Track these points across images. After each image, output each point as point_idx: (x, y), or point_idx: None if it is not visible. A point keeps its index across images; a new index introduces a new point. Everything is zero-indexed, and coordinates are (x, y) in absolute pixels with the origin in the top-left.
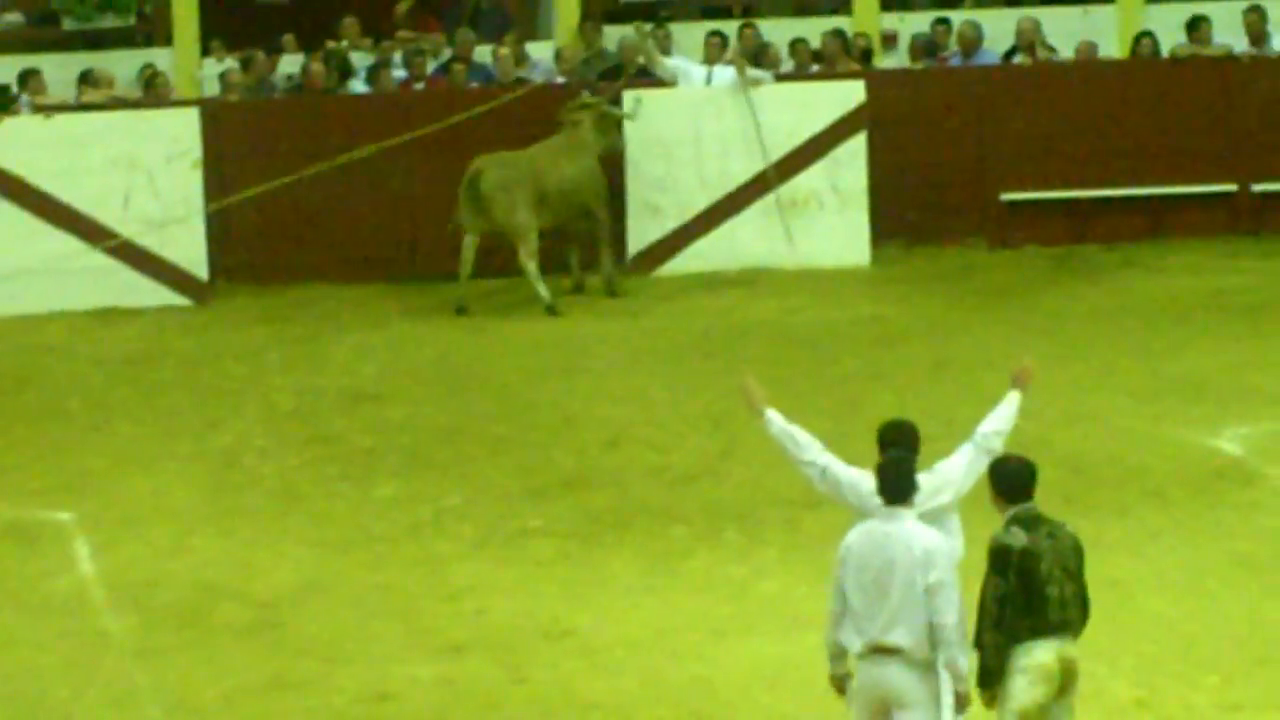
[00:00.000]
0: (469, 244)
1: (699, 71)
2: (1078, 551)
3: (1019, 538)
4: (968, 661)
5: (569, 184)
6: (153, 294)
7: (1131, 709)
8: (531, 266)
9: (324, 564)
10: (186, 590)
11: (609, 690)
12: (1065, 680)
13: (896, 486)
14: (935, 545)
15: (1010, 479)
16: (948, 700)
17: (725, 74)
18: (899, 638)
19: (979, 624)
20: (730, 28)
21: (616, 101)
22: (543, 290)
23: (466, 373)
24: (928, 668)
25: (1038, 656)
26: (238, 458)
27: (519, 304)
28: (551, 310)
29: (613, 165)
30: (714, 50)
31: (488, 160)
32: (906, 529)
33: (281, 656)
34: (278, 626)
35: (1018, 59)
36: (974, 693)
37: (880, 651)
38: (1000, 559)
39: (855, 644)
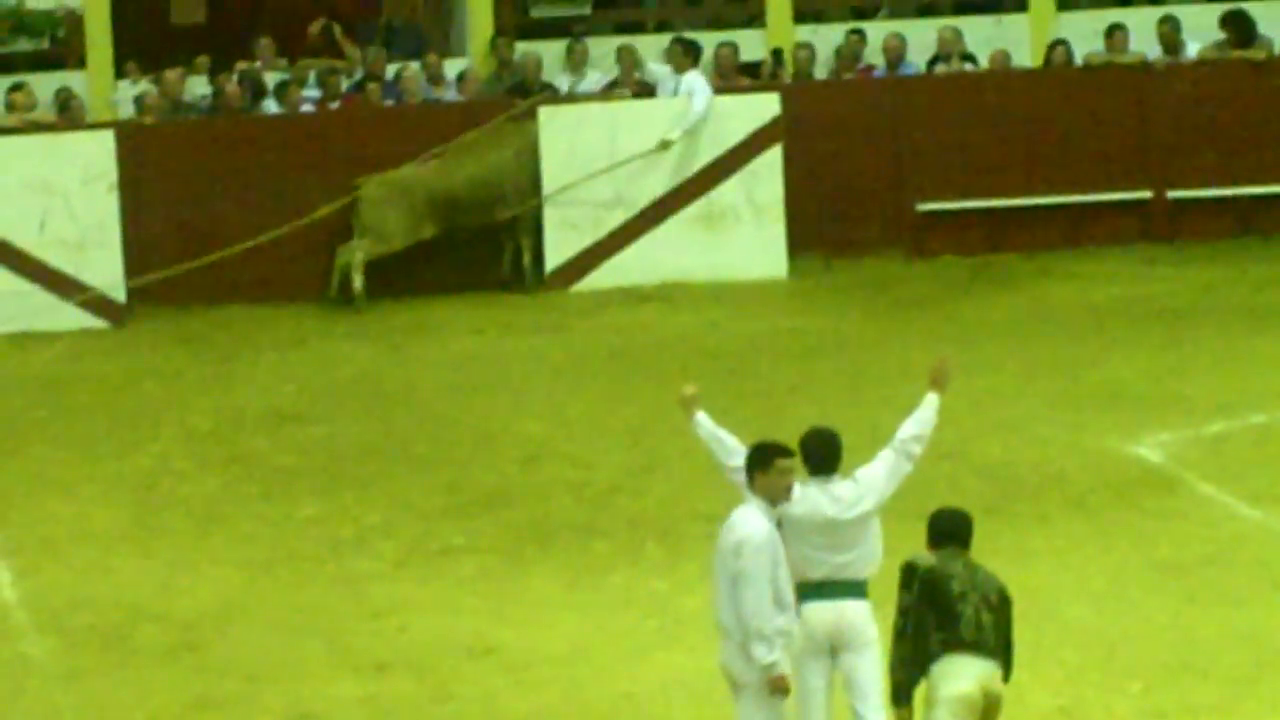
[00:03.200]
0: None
1: (670, 82)
2: (1003, 596)
3: (927, 558)
4: (766, 651)
5: (464, 186)
6: (70, 317)
7: (1054, 717)
8: (359, 257)
9: (246, 584)
10: (108, 612)
11: (532, 707)
12: (988, 711)
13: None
14: (747, 535)
15: (939, 527)
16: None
17: (690, 83)
18: (723, 618)
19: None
20: (643, 42)
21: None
22: (357, 281)
23: (386, 391)
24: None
25: (960, 687)
26: (157, 479)
27: (437, 322)
28: (354, 305)
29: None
30: (680, 59)
31: (370, 179)
32: (737, 516)
33: (204, 677)
34: (200, 647)
35: (939, 69)
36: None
37: (720, 630)
38: (906, 574)
39: None
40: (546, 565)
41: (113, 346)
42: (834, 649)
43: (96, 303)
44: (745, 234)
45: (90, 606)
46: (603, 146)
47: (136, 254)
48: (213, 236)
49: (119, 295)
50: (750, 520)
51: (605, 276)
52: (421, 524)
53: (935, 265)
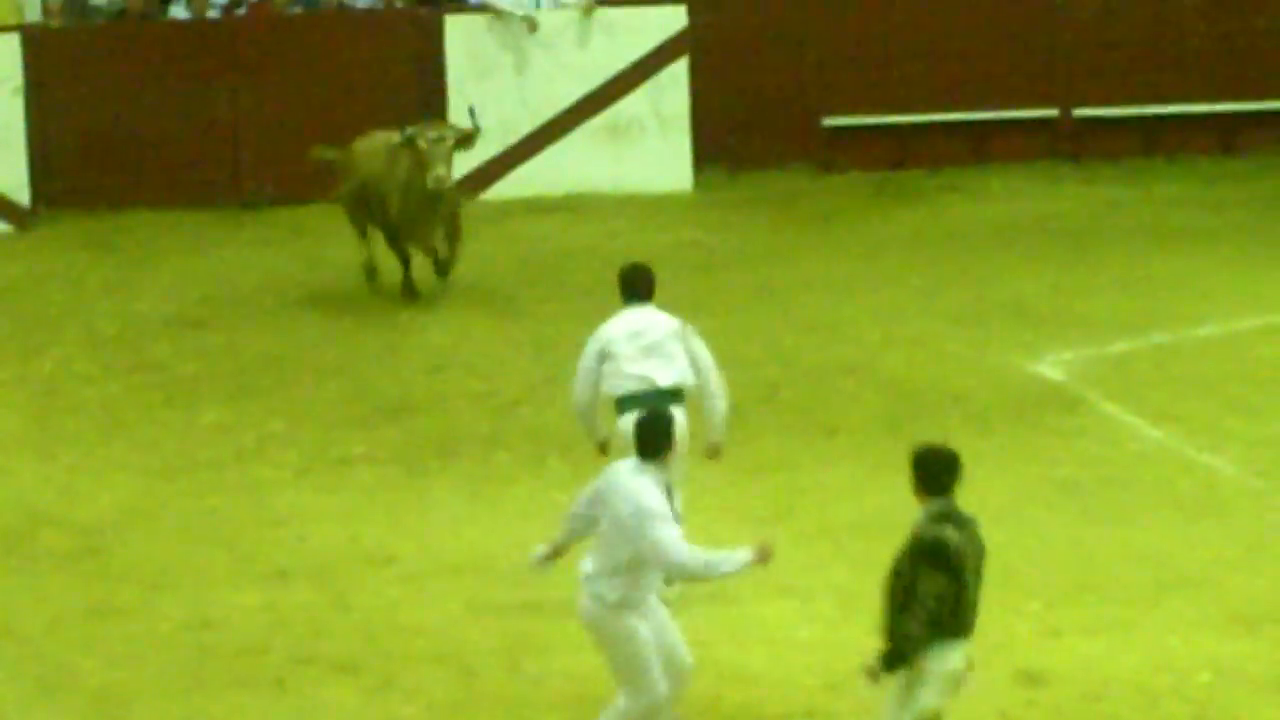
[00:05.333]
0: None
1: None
2: (982, 553)
3: (954, 535)
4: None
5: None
6: None
7: None
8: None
9: (147, 490)
10: (8, 516)
11: (433, 615)
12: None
13: (645, 444)
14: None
15: (935, 470)
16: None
17: None
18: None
19: (906, 614)
20: None
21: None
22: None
23: (290, 299)
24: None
25: (953, 662)
26: (60, 384)
27: (342, 231)
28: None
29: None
30: None
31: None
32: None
33: (105, 583)
34: (101, 553)
35: None
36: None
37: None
38: (938, 555)
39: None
40: (448, 476)
41: (16, 250)
42: None
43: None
44: (651, 146)
45: None
46: (508, 56)
47: (41, 158)
48: (118, 141)
49: (23, 199)
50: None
51: (510, 187)
52: (324, 433)
53: (841, 180)
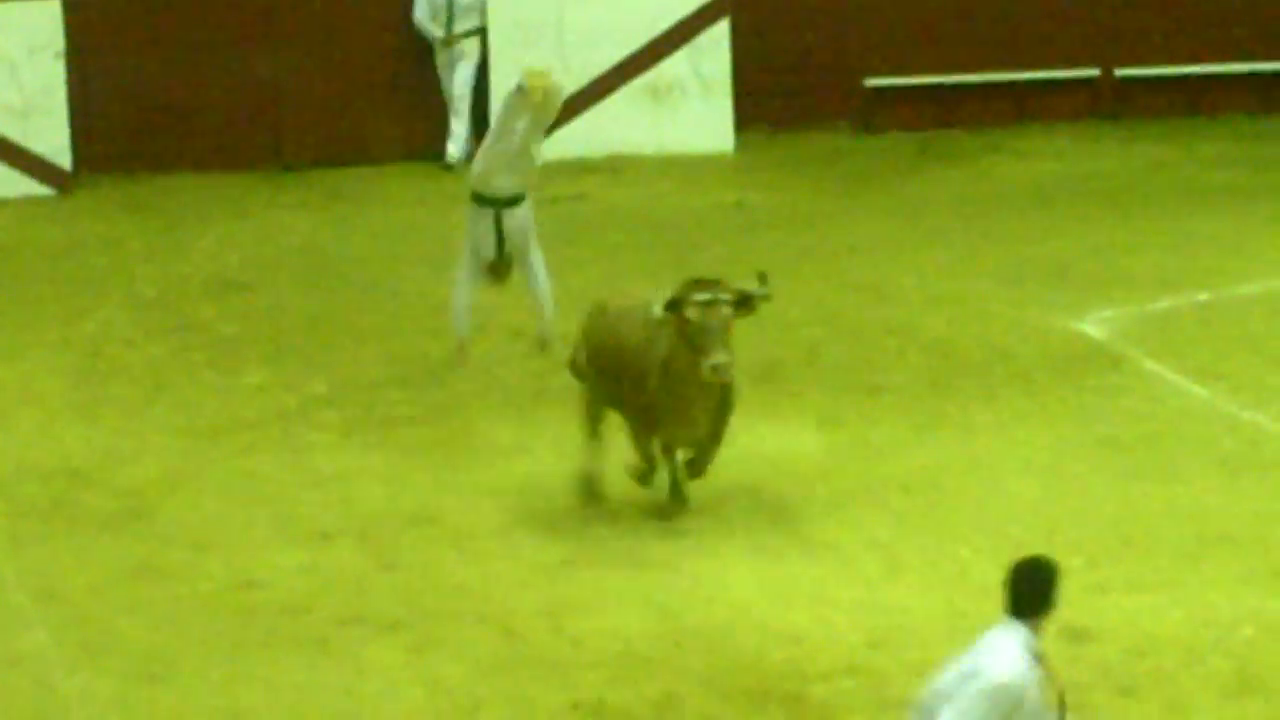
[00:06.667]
0: None
1: None
2: None
3: None
4: None
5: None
6: (16, 184)
7: (997, 591)
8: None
9: (190, 452)
10: (53, 479)
11: (477, 575)
12: None
13: (1017, 598)
14: (987, 670)
15: None
16: None
17: None
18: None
19: None
20: None
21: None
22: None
23: (332, 261)
24: None
25: None
26: (103, 346)
27: (381, 193)
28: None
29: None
30: None
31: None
32: (994, 641)
33: (148, 544)
34: (144, 515)
35: None
36: None
37: None
38: None
39: None
40: (491, 436)
41: (59, 213)
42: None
43: (43, 169)
44: (692, 107)
45: (35, 473)
46: (549, 18)
47: (82, 122)
48: (159, 104)
49: (64, 163)
50: (1001, 655)
51: (552, 149)
52: (366, 393)
53: (883, 140)
